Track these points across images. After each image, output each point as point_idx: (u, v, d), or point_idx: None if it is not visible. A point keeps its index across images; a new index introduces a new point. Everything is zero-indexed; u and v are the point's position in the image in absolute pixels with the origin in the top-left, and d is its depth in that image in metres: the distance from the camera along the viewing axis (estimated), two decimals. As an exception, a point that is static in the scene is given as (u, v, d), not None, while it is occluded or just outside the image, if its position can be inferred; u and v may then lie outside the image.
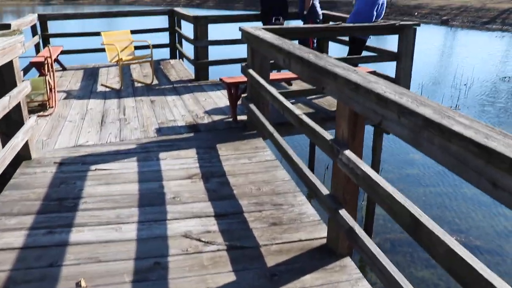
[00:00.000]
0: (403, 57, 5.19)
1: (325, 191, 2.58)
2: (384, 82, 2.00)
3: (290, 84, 5.90)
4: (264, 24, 6.67)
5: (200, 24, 6.53)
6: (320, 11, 6.66)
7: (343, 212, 2.33)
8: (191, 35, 6.98)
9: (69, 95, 6.16)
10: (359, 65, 5.61)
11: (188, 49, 7.79)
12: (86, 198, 3.18)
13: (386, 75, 5.47)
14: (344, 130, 2.29)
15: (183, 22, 8.23)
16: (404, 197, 1.76)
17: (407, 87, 5.39)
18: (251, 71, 4.08)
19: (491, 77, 13.78)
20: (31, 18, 7.69)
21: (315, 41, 6.76)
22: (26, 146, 3.77)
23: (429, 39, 20.12)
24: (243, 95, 4.59)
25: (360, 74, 2.15)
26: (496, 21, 31.72)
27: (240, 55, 6.69)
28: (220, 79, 4.80)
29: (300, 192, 3.27)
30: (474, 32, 27.85)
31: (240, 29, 4.33)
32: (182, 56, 8.44)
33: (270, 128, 3.52)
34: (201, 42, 6.59)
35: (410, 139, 1.65)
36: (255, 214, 2.97)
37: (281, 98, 3.20)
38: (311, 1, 6.46)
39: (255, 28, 4.18)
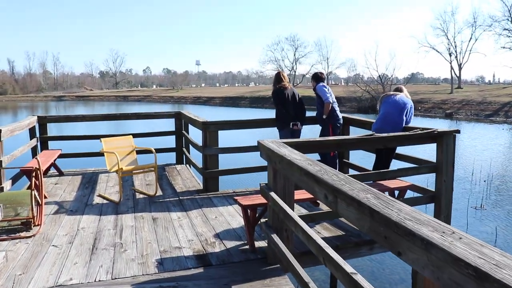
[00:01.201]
0: (444, 168, 4.50)
1: None
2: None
3: (317, 204, 5.10)
4: (280, 130, 6.10)
5: (210, 130, 5.94)
6: (340, 115, 6.15)
7: None
8: (199, 139, 6.41)
9: (61, 208, 5.45)
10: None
11: (195, 154, 7.18)
12: None
13: (425, 188, 4.77)
14: (441, 324, 1.49)
15: (190, 126, 7.72)
16: None
17: (449, 200, 4.65)
18: (273, 194, 3.35)
19: (510, 171, 13.13)
20: (29, 121, 7.25)
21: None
22: (-11, 293, 2.96)
23: (438, 133, 19.75)
24: (262, 220, 3.81)
25: (468, 242, 1.41)
26: (499, 114, 31.95)
27: (251, 162, 6.10)
28: (235, 200, 4.07)
29: None
30: (480, 125, 27.81)
31: (259, 143, 3.65)
32: (189, 161, 7.80)
33: (305, 276, 2.70)
34: (211, 149, 5.96)
35: None
36: None
37: (321, 241, 2.42)
38: (330, 105, 5.97)
39: (278, 143, 3.48)
